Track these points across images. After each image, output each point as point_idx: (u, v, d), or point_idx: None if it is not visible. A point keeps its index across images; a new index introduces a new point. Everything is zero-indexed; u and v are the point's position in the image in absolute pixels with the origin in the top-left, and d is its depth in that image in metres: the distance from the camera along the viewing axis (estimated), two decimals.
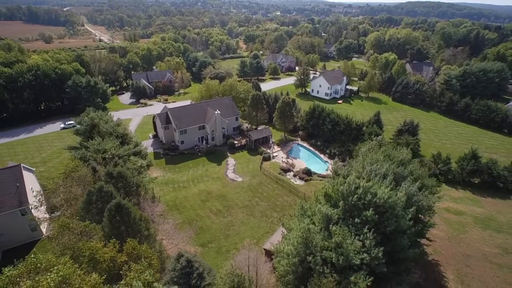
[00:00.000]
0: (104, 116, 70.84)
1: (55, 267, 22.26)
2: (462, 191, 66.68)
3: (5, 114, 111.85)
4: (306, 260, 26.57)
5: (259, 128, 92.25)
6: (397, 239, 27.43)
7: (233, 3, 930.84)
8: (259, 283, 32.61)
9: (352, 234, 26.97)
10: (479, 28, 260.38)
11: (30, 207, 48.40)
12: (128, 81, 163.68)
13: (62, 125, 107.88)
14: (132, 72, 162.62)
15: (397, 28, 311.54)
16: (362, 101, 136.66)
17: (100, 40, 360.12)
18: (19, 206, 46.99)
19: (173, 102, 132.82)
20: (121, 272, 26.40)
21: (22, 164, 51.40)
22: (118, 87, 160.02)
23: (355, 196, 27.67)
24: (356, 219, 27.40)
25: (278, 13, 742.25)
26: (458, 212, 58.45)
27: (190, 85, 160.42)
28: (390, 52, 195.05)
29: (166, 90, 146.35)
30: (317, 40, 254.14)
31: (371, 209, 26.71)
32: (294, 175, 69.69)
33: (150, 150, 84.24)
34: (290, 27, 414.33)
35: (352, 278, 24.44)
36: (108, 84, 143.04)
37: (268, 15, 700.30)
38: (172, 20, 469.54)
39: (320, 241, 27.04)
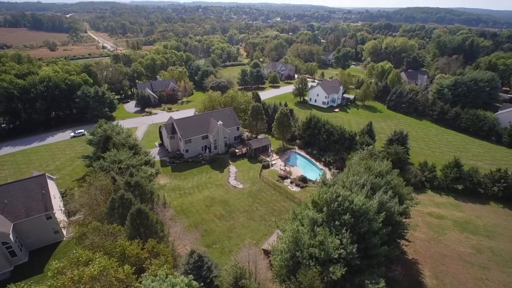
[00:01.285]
0: (115, 128, 76.79)
1: (97, 260, 28.04)
2: (446, 196, 72.41)
3: (17, 123, 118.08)
4: (296, 256, 32.40)
5: (259, 137, 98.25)
6: (370, 238, 33.21)
7: (233, 9, 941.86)
8: (258, 276, 38.31)
9: (333, 234, 32.80)
10: (473, 36, 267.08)
11: (54, 212, 54.33)
12: (132, 90, 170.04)
13: (72, 134, 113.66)
14: (137, 81, 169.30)
15: (394, 36, 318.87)
16: (358, 109, 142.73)
17: (104, 47, 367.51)
18: (45, 211, 52.87)
19: (176, 110, 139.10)
20: (143, 265, 32.15)
21: (46, 174, 57.38)
22: (123, 95, 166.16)
23: (336, 203, 33.50)
24: (336, 222, 33.26)
25: (278, 19, 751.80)
26: (440, 216, 64.15)
27: (192, 94, 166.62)
28: (386, 61, 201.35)
29: (169, 99, 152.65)
30: (316, 48, 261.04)
31: (348, 214, 32.57)
32: (291, 182, 75.53)
33: (157, 158, 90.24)
34: (290, 33, 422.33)
35: (331, 269, 30.30)
36: (114, 93, 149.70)
37: (268, 21, 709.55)
38: (173, 27, 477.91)
39: (307, 240, 32.87)
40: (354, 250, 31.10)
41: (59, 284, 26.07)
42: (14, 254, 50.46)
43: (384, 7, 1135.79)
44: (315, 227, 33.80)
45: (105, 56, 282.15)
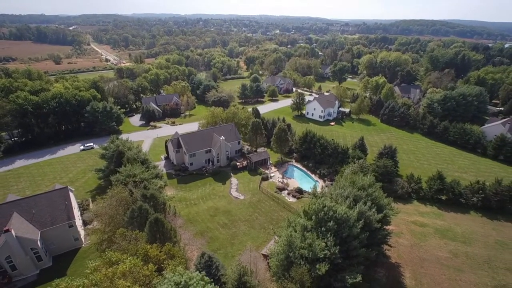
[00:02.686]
0: (126, 143, 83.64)
1: (127, 259, 34.40)
2: (430, 206, 78.95)
3: (30, 136, 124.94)
4: (289, 256, 38.81)
5: (258, 150, 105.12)
6: (350, 242, 39.66)
7: (233, 22, 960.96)
8: (258, 276, 44.58)
9: (320, 238, 39.23)
10: (466, 50, 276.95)
11: (75, 221, 60.78)
12: (137, 104, 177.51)
13: (82, 147, 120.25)
14: (142, 96, 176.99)
15: (389, 50, 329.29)
16: (353, 122, 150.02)
17: (107, 60, 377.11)
18: (67, 220, 59.30)
19: (180, 124, 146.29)
20: (162, 265, 38.43)
21: (68, 186, 64.01)
22: (128, 109, 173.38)
23: (322, 212, 40.05)
24: (322, 228, 39.76)
25: (277, 31, 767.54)
26: (423, 224, 70.59)
27: (194, 107, 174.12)
28: (380, 75, 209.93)
29: (173, 113, 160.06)
30: (313, 61, 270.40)
31: (332, 221, 39.11)
32: (288, 193, 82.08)
33: (163, 171, 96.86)
34: (289, 46, 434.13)
35: (317, 266, 36.72)
36: (119, 107, 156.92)
37: (268, 33, 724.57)
38: (175, 40, 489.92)
39: (298, 243, 39.29)
40: (336, 251, 37.68)
41: (97, 279, 32.36)
42: (40, 258, 56.64)
43: (381, 19, 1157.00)
44: (305, 232, 40.38)
45: (109, 70, 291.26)
